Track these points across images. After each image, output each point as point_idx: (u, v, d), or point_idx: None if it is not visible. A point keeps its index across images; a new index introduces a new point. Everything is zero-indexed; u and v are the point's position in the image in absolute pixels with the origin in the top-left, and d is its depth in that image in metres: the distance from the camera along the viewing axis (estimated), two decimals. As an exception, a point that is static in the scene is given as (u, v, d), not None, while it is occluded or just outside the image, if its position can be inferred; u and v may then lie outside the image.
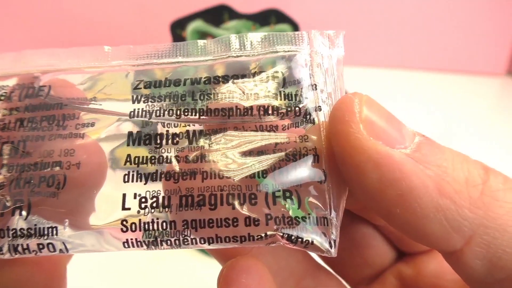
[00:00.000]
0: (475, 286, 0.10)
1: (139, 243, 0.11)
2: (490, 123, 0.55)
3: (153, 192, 0.11)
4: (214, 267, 0.34)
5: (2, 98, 0.12)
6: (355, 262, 0.16)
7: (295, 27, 0.49)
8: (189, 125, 0.11)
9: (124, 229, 0.11)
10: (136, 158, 0.11)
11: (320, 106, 0.11)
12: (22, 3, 0.68)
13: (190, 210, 0.11)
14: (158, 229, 0.11)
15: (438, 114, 0.56)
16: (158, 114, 0.12)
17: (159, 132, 0.11)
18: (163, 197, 0.11)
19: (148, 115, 0.12)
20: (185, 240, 0.11)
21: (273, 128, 0.11)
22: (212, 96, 0.12)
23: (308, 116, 0.11)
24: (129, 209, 0.11)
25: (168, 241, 0.11)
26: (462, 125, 0.53)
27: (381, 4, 0.69)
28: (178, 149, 0.11)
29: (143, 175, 0.11)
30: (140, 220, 0.11)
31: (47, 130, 0.12)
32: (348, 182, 0.11)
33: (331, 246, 0.11)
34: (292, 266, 0.15)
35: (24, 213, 0.11)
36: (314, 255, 0.18)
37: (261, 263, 0.12)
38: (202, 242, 0.11)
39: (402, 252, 0.16)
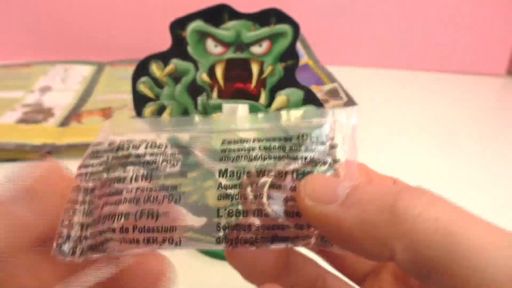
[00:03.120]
0: (420, 280, 0.13)
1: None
2: (490, 123, 0.55)
3: None
4: (214, 267, 0.33)
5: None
6: (352, 260, 0.19)
7: (295, 27, 0.49)
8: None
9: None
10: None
11: (339, 159, 0.16)
12: (22, 3, 0.68)
13: None
14: None
15: (438, 114, 0.56)
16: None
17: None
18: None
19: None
20: None
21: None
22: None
23: (330, 166, 0.16)
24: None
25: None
26: (462, 125, 0.53)
27: (382, 5, 0.69)
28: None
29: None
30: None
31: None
32: None
33: None
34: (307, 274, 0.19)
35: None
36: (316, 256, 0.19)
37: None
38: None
39: None
